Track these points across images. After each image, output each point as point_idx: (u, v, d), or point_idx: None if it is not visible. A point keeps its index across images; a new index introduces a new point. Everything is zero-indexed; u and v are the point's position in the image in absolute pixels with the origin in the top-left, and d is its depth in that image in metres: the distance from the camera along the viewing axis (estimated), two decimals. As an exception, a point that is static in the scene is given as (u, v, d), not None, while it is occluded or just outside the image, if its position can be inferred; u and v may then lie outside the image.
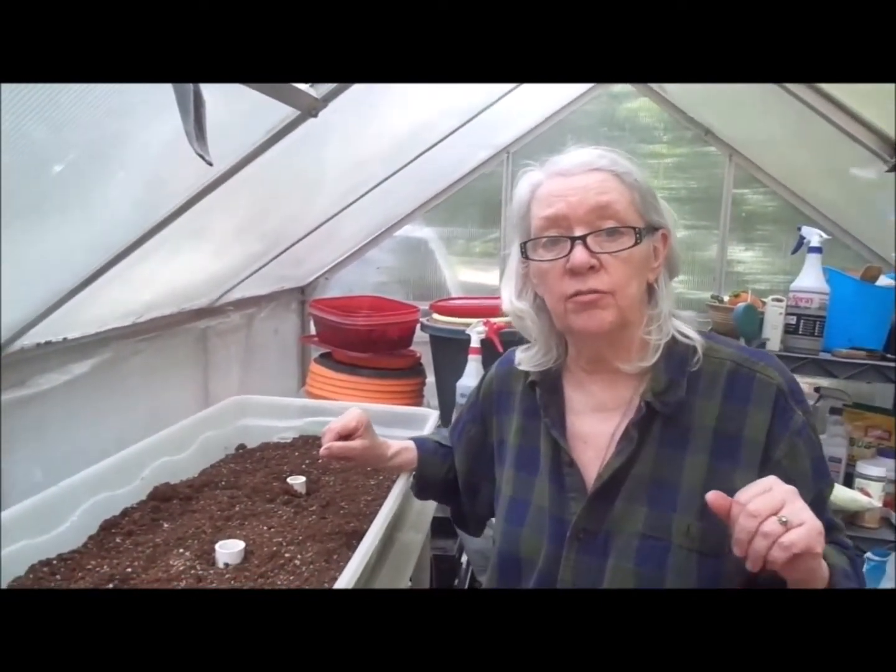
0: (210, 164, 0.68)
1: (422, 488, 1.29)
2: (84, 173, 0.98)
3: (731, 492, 0.78)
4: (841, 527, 0.96)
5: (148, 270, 1.44)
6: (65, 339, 1.36)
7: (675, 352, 0.95)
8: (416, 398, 2.38)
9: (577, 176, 0.92)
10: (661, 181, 2.72)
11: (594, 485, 0.95)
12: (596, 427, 0.99)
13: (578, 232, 0.90)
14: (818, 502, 0.90)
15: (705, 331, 1.00)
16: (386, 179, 2.10)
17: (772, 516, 0.71)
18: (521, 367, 1.06)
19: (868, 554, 1.76)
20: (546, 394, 1.03)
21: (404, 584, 1.23)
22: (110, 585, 1.02)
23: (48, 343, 1.32)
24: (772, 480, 0.76)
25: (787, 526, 0.70)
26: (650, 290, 0.97)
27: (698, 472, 0.90)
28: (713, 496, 0.77)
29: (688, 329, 0.96)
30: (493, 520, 1.13)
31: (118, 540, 1.16)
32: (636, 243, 0.90)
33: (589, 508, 0.95)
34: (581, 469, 0.97)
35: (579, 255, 0.89)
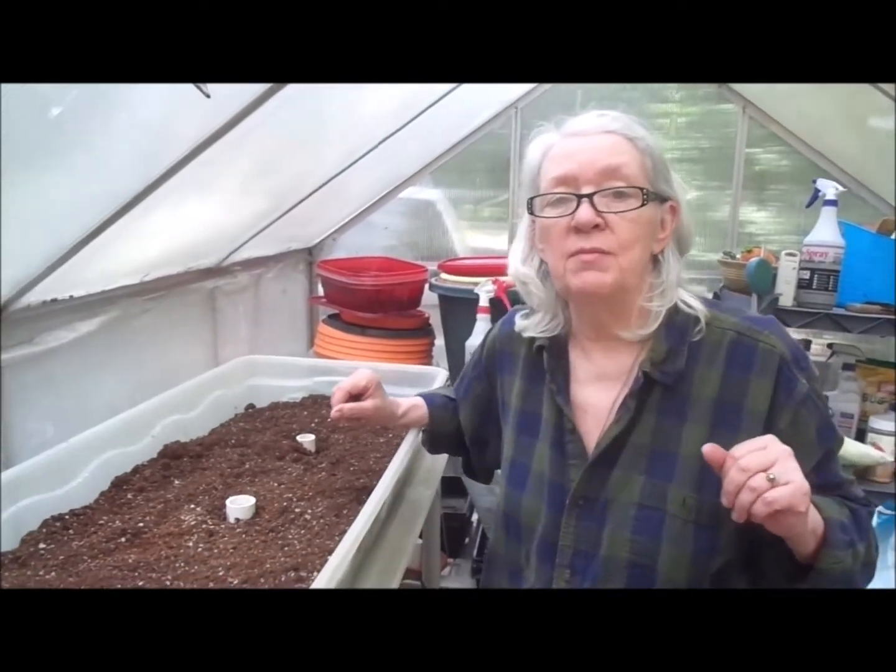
0: (207, 96, 0.67)
1: (433, 443, 1.29)
2: (84, 118, 0.95)
3: None
4: (850, 481, 0.96)
5: (153, 226, 1.42)
6: (71, 296, 1.36)
7: (677, 321, 0.95)
8: (425, 359, 2.38)
9: (589, 137, 0.91)
10: (673, 141, 2.66)
11: (593, 452, 0.95)
12: (597, 396, 0.99)
13: (586, 191, 0.89)
14: (826, 460, 0.91)
15: (710, 298, 0.99)
16: (392, 135, 2.06)
17: (761, 472, 0.73)
18: (526, 334, 1.05)
19: (880, 507, 1.76)
20: (553, 359, 1.02)
21: (414, 539, 1.24)
22: (122, 539, 1.03)
23: (54, 300, 1.32)
24: (768, 439, 0.77)
25: (773, 483, 0.72)
26: (655, 262, 0.96)
27: (697, 442, 0.88)
28: (709, 448, 0.78)
29: (692, 299, 0.95)
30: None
31: (130, 496, 1.18)
32: (643, 204, 0.89)
33: (588, 476, 0.95)
34: (582, 436, 0.98)
35: (584, 212, 0.88)
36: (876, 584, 1.82)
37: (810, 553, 0.82)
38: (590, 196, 0.89)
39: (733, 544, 0.90)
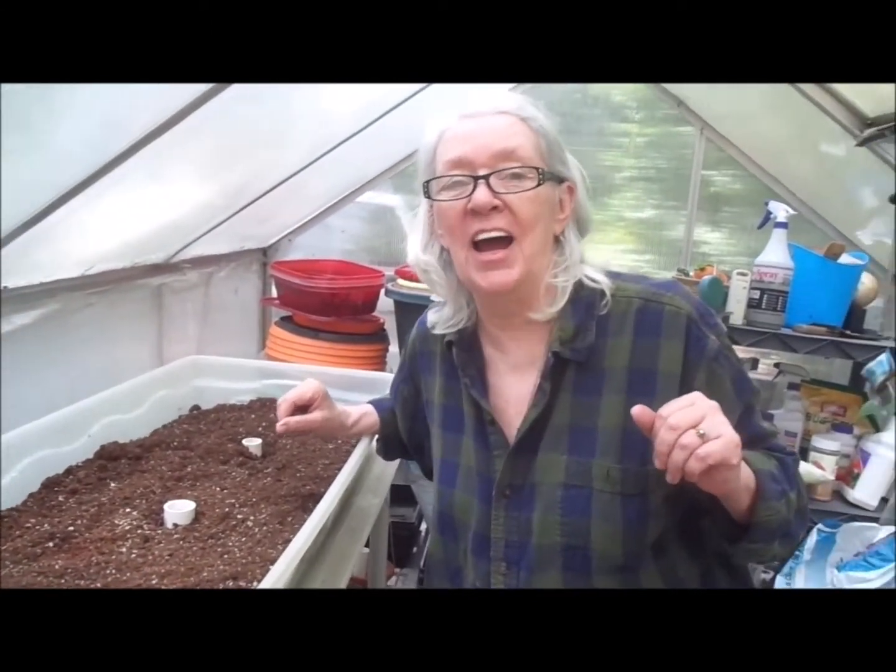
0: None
1: (387, 449, 1.28)
2: (24, 99, 0.89)
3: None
4: (773, 433, 0.98)
5: (98, 217, 1.36)
6: (5, 287, 1.28)
7: (582, 297, 0.95)
8: (379, 364, 2.35)
9: (483, 118, 0.90)
10: (632, 160, 2.71)
11: (514, 439, 0.95)
12: (516, 385, 0.99)
13: (482, 173, 0.88)
14: (747, 414, 0.92)
15: (613, 270, 0.99)
16: (353, 136, 2.03)
17: (691, 429, 0.72)
18: (436, 331, 1.04)
19: (819, 525, 1.79)
20: (463, 353, 1.02)
21: (360, 548, 1.21)
22: (50, 544, 0.98)
23: (-15, 291, 1.25)
24: (695, 396, 0.77)
25: (704, 438, 0.72)
26: (557, 243, 0.96)
27: (615, 414, 0.90)
28: (638, 410, 0.78)
29: (595, 273, 0.95)
30: None
31: (61, 498, 1.12)
32: (539, 184, 0.89)
33: (511, 464, 0.95)
34: (503, 427, 0.97)
35: (481, 194, 0.88)
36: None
37: (746, 509, 0.83)
38: (486, 177, 0.88)
39: (665, 512, 0.90)
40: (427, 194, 0.95)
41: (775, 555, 0.91)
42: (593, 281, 0.94)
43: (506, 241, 0.89)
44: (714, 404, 0.75)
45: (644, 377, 0.90)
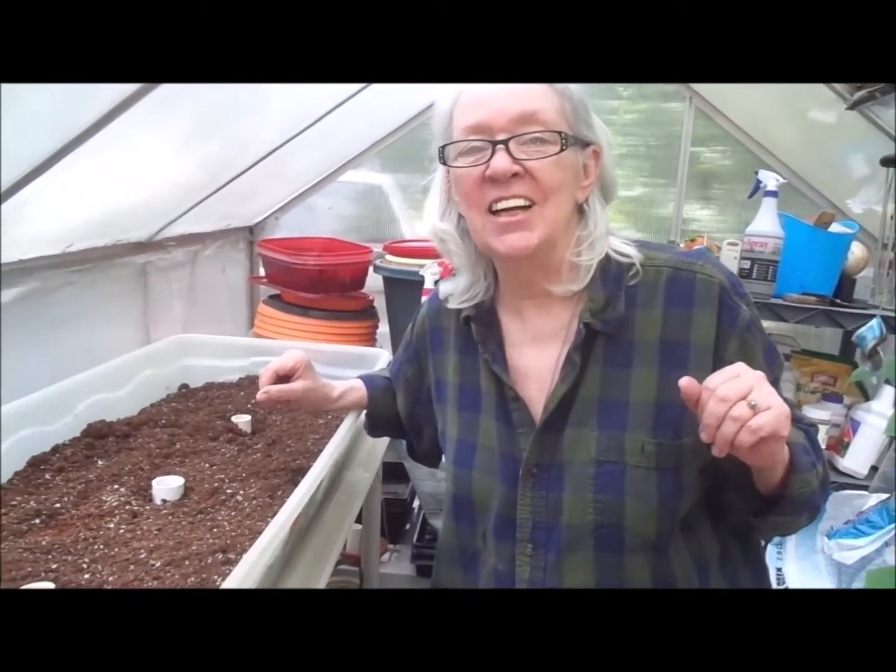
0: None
1: (373, 426, 1.25)
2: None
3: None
4: (794, 403, 0.96)
5: (73, 192, 1.33)
6: (-23, 265, 1.26)
7: (610, 268, 0.91)
8: (368, 341, 2.33)
9: None
10: (621, 137, 2.69)
11: (542, 416, 0.91)
12: (537, 358, 0.95)
13: (501, 138, 0.84)
14: (775, 385, 0.89)
15: (639, 239, 0.95)
16: (336, 108, 1.99)
17: (741, 401, 0.70)
18: (450, 305, 1.00)
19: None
20: (482, 327, 0.98)
21: (351, 522, 1.21)
22: (37, 521, 0.97)
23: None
24: (740, 366, 0.75)
25: (755, 410, 0.70)
26: (580, 213, 0.92)
27: (647, 386, 0.87)
28: (686, 381, 0.75)
29: (624, 246, 0.91)
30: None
31: (48, 476, 1.11)
32: (562, 149, 0.84)
33: (539, 441, 0.91)
34: (527, 403, 0.94)
35: (500, 160, 0.83)
36: (804, 566, 1.87)
37: (777, 482, 0.81)
38: (505, 142, 0.83)
39: (696, 485, 0.88)
40: (443, 160, 0.90)
41: (799, 527, 0.89)
42: (622, 255, 0.90)
43: (526, 206, 0.85)
44: (760, 374, 0.73)
45: (676, 348, 0.87)
